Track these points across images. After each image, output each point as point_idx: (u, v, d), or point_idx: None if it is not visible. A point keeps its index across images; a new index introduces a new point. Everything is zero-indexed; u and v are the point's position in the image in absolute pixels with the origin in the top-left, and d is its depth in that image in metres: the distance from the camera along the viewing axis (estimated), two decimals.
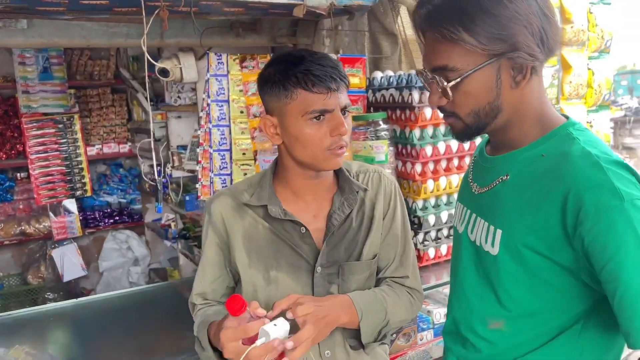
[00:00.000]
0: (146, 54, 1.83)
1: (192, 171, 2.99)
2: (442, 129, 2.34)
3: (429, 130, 2.32)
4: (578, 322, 1.04)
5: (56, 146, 3.89)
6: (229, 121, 2.48)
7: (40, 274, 4.03)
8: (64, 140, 3.91)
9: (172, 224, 3.43)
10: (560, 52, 2.76)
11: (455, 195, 2.44)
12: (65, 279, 3.98)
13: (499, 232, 1.07)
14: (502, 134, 1.09)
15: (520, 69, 1.01)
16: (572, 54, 2.85)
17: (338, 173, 1.37)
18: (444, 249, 2.41)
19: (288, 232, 1.30)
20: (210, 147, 2.48)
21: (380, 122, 2.31)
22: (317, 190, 1.33)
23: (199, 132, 2.51)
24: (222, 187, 2.49)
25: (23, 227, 3.96)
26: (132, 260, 4.31)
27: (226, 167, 2.51)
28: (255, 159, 2.48)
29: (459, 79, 1.01)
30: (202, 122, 2.48)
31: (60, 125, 3.89)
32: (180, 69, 2.51)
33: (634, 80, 18.39)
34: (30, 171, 3.81)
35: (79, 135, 3.94)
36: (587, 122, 3.02)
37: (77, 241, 4.14)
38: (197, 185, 2.54)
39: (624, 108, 11.17)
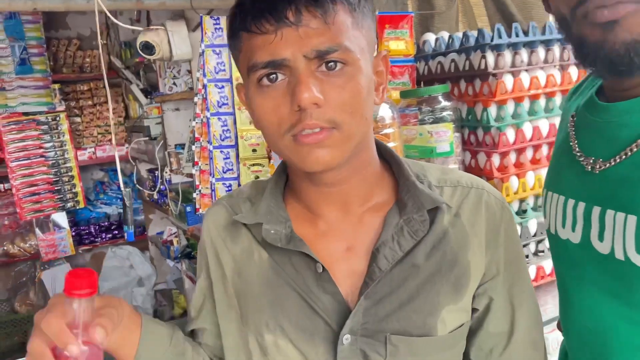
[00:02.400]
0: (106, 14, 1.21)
1: (192, 175, 2.38)
2: (526, 104, 1.68)
3: (509, 107, 1.66)
4: None
5: (40, 151, 3.33)
6: (233, 107, 1.85)
7: (29, 301, 3.48)
8: (50, 144, 3.34)
9: (175, 240, 2.83)
10: None
11: None
12: None
13: None
14: None
15: None
16: None
17: (397, 175, 0.82)
18: (532, 271, 1.74)
19: (296, 270, 0.78)
20: (210, 142, 1.85)
21: (440, 99, 1.65)
22: (348, 204, 0.80)
23: (194, 123, 1.89)
24: None
25: (6, 247, 3.41)
26: (136, 281, 3.72)
27: (231, 169, 1.89)
28: (269, 157, 1.85)
29: None
30: (198, 110, 1.87)
31: (45, 127, 3.32)
32: (169, 42, 1.89)
33: None
34: (12, 181, 3.26)
35: (67, 138, 3.37)
36: None
37: (71, 260, 3.57)
38: (194, 195, 1.92)
39: None
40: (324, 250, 0.78)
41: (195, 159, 1.89)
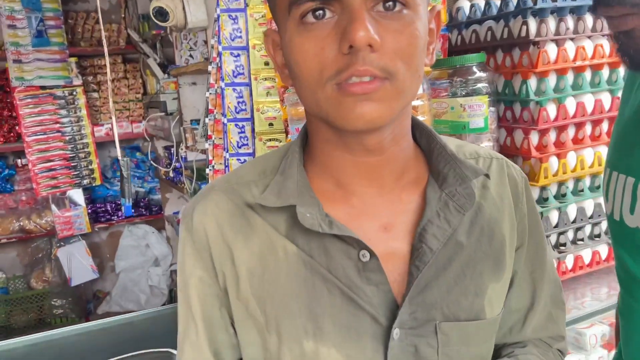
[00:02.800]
0: None
1: (206, 151, 2.28)
2: (570, 77, 1.53)
3: (551, 80, 1.51)
4: None
5: (57, 126, 3.27)
6: (249, 77, 1.73)
7: (45, 277, 3.45)
8: (66, 119, 3.28)
9: None
10: None
11: (589, 181, 1.62)
12: (73, 283, 3.39)
13: None
14: None
15: None
16: None
17: (428, 146, 0.73)
18: (569, 261, 1.60)
19: (335, 261, 0.67)
20: (224, 115, 1.74)
21: (475, 69, 1.51)
22: (384, 178, 0.69)
23: (207, 94, 1.78)
24: None
25: (22, 223, 3.37)
26: (152, 260, 3.67)
27: (247, 144, 1.77)
28: (286, 132, 1.72)
29: None
30: (212, 80, 1.75)
31: (61, 101, 3.25)
32: (183, 8, 1.77)
33: None
34: (28, 156, 3.21)
35: (84, 113, 3.30)
36: None
37: (88, 238, 3.53)
38: (207, 171, 1.82)
39: None
40: (359, 233, 0.67)
41: (209, 133, 1.78)
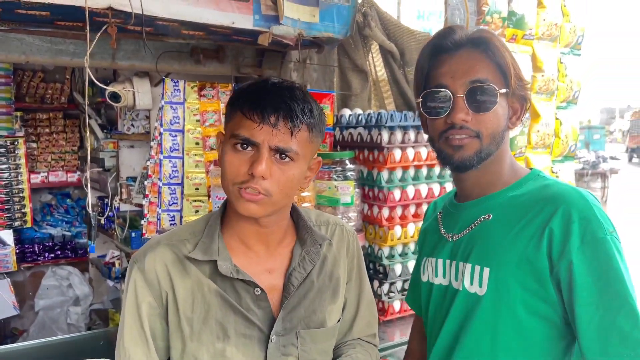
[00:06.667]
0: (89, 74, 1.63)
1: (140, 205, 2.74)
2: (411, 172, 2.20)
3: (398, 173, 2.17)
4: None
5: None
6: (183, 153, 2.28)
7: None
8: (5, 165, 3.60)
9: (117, 262, 3.14)
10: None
11: None
12: None
13: (486, 270, 1.08)
14: (484, 173, 1.15)
15: (515, 110, 1.15)
16: (541, 103, 2.80)
17: (297, 221, 1.18)
18: (397, 305, 2.22)
19: (239, 294, 1.08)
20: (160, 180, 2.26)
21: (347, 162, 2.15)
22: (269, 241, 1.13)
23: (148, 163, 2.29)
24: (171, 224, 2.26)
25: None
26: (73, 300, 3.94)
27: (176, 203, 2.29)
28: (209, 195, 2.27)
29: (506, 90, 1.09)
30: (153, 153, 2.27)
31: (2, 150, 3.58)
32: (133, 94, 2.30)
33: (590, 135, 19.43)
34: None
35: (23, 161, 3.63)
36: (553, 172, 2.96)
37: (12, 276, 3.76)
38: (142, 222, 2.30)
39: (581, 161, 11.83)
40: (254, 274, 1.08)
41: (146, 192, 2.28)
